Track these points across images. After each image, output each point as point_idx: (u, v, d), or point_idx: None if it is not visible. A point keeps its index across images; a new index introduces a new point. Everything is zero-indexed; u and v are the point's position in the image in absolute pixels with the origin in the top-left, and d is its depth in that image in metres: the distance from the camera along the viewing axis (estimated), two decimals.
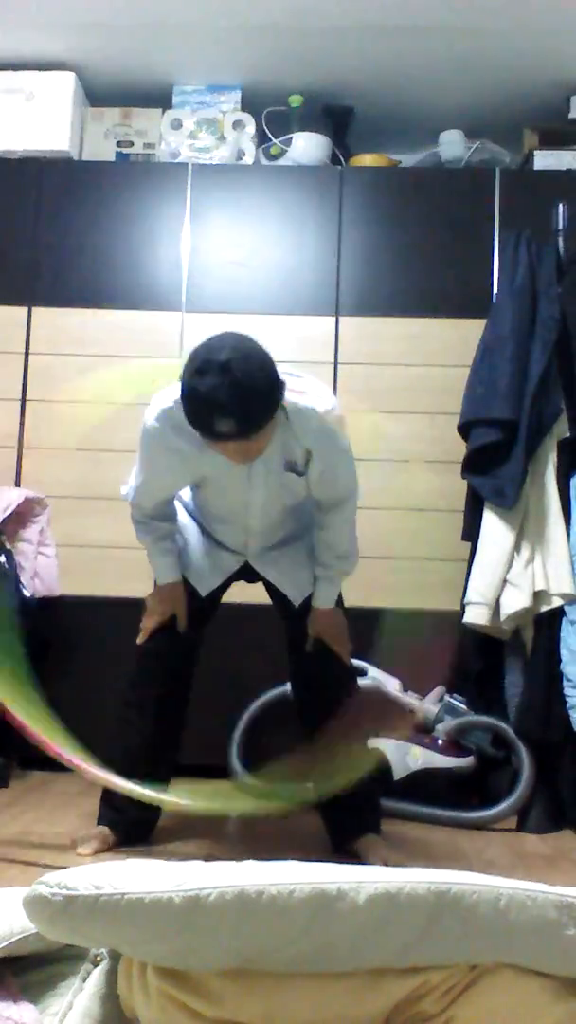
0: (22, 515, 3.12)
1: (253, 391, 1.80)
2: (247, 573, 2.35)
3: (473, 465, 2.85)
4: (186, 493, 2.35)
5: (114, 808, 2.26)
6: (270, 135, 3.54)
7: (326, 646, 2.28)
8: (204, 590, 2.30)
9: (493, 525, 2.80)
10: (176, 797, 2.19)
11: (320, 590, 2.27)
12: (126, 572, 3.10)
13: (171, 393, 2.01)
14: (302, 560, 2.31)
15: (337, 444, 2.08)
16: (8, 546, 3.05)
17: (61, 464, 3.27)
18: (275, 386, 1.86)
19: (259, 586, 2.37)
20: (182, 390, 1.85)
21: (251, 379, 1.80)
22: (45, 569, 3.13)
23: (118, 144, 3.52)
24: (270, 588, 2.35)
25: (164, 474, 2.15)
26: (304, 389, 2.02)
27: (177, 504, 2.33)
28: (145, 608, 2.31)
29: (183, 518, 2.35)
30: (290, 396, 1.97)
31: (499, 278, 3.13)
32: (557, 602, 2.71)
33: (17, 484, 3.27)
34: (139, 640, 2.29)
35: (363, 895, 0.96)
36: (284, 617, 2.35)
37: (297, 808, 2.33)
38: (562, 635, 2.71)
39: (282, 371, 1.90)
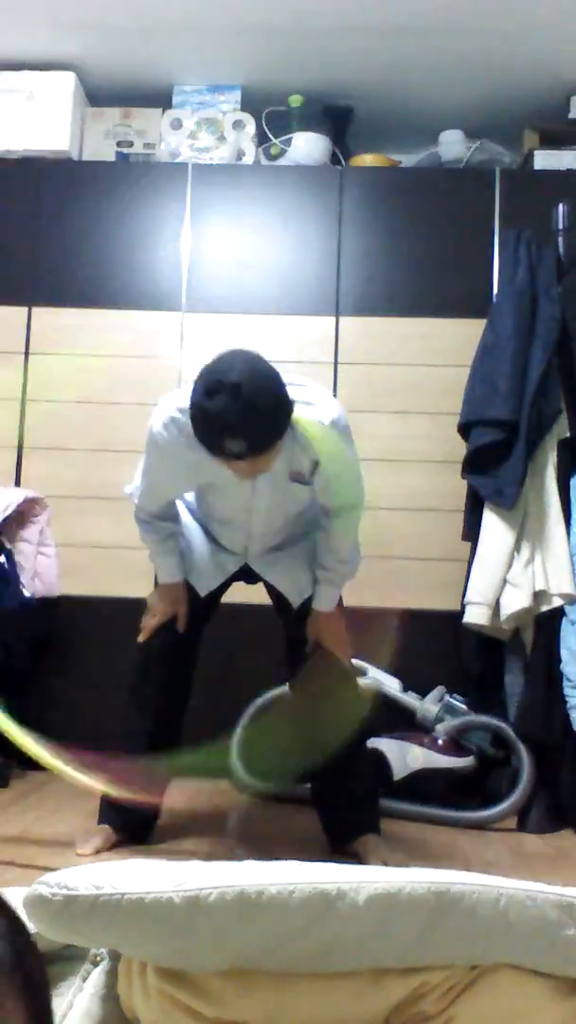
0: (22, 515, 3.12)
1: (263, 412, 1.79)
2: (247, 574, 2.34)
3: (473, 465, 2.85)
4: (189, 494, 2.35)
5: (114, 808, 2.26)
6: (270, 135, 3.54)
7: (326, 648, 2.27)
8: (203, 590, 2.30)
9: (493, 525, 2.80)
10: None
11: (320, 593, 2.25)
12: (126, 572, 3.10)
13: (177, 400, 1.99)
14: (302, 562, 2.30)
15: (344, 454, 2.06)
16: (8, 546, 3.05)
17: (61, 464, 3.27)
18: (285, 406, 1.85)
19: (259, 586, 2.37)
20: (192, 410, 1.83)
21: (261, 400, 1.79)
22: (45, 569, 3.13)
23: (118, 144, 3.52)
24: (270, 589, 2.34)
25: (169, 479, 2.15)
26: (310, 399, 2.00)
27: (179, 504, 2.32)
28: (147, 607, 2.31)
29: (185, 517, 2.34)
30: (297, 408, 1.95)
31: (499, 278, 3.13)
32: (557, 602, 2.71)
33: (17, 484, 3.27)
34: (139, 639, 2.29)
35: (363, 895, 0.96)
36: (283, 618, 2.35)
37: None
38: (562, 635, 2.71)
39: (287, 380, 1.88)
